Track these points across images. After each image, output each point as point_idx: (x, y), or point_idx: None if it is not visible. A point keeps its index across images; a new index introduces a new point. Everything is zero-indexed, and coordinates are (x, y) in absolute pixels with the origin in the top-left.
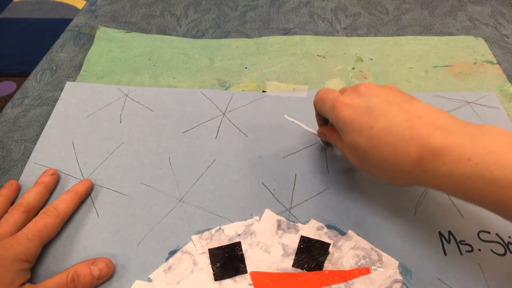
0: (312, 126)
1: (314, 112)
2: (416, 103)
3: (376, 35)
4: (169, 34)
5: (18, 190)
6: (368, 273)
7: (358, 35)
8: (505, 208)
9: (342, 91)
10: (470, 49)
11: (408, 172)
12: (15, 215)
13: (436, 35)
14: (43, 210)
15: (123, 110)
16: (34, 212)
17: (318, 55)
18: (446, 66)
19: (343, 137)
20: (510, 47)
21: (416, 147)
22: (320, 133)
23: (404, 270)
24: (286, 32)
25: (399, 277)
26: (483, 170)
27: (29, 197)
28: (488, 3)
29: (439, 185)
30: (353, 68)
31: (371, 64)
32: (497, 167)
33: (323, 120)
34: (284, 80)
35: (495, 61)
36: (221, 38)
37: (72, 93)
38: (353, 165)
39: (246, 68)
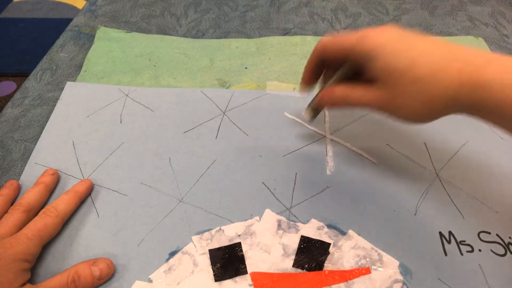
0: (312, 124)
1: None
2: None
3: None
4: (169, 34)
5: (18, 190)
6: (368, 273)
7: None
8: None
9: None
10: None
11: (445, 88)
12: (15, 215)
13: (436, 35)
14: (43, 210)
15: (123, 110)
16: (34, 212)
17: None
18: None
19: (376, 65)
20: (510, 47)
21: (459, 63)
22: (331, 92)
23: (405, 270)
24: (286, 32)
25: (400, 277)
26: None
27: (29, 197)
28: (488, 3)
29: (475, 100)
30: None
31: None
32: None
33: (316, 75)
34: (284, 80)
35: None
36: (221, 38)
37: (73, 93)
38: (376, 107)
39: (246, 68)
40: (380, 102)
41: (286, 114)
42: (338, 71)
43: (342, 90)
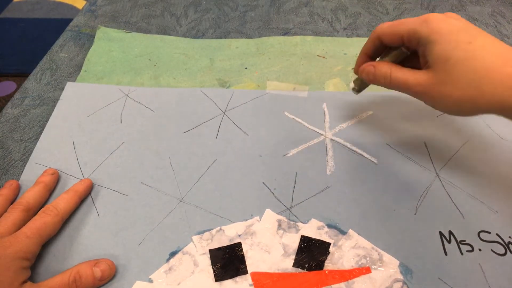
0: (312, 124)
1: (314, 111)
2: None
3: None
4: (169, 34)
5: (18, 190)
6: (368, 273)
7: (358, 35)
8: None
9: None
10: None
11: (495, 88)
12: (14, 214)
13: None
14: (43, 209)
15: (124, 110)
16: (33, 211)
17: (318, 55)
18: None
19: (433, 50)
20: None
21: (510, 68)
22: (375, 66)
23: (405, 269)
24: (286, 32)
25: (400, 277)
26: None
27: (28, 196)
28: (488, 3)
29: None
30: (353, 68)
31: None
32: None
33: (375, 54)
34: (284, 80)
35: None
36: (221, 38)
37: (73, 93)
38: (420, 91)
39: (246, 68)
40: (425, 86)
41: (286, 113)
42: (390, 53)
43: (387, 66)
